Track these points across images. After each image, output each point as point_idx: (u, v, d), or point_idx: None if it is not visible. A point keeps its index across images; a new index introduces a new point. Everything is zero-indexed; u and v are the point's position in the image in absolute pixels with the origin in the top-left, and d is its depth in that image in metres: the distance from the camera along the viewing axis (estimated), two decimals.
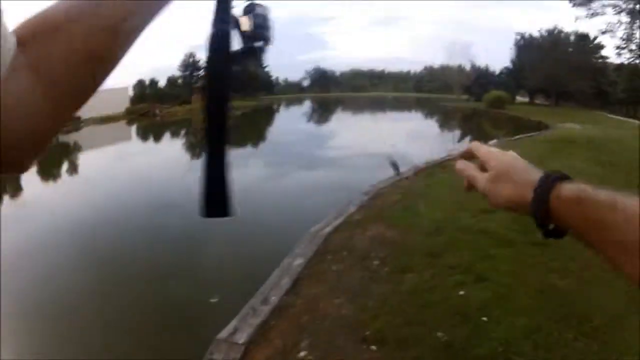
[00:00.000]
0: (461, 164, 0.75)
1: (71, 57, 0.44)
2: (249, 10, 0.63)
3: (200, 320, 4.70)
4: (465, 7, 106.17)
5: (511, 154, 0.69)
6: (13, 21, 0.45)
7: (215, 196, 0.58)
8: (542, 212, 0.59)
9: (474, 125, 32.13)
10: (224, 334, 3.61)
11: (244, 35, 0.62)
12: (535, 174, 0.63)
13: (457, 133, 27.87)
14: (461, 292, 4.27)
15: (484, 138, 22.01)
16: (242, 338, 3.49)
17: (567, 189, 0.59)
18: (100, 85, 0.48)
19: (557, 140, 15.01)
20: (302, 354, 3.40)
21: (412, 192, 7.76)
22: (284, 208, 9.39)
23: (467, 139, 24.37)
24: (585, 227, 0.56)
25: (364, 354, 3.38)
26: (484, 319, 3.83)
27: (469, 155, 0.75)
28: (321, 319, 3.78)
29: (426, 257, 5.00)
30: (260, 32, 0.63)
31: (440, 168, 10.01)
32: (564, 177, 0.61)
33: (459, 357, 3.37)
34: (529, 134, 18.74)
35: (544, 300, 4.23)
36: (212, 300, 4.82)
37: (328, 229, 5.80)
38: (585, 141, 14.73)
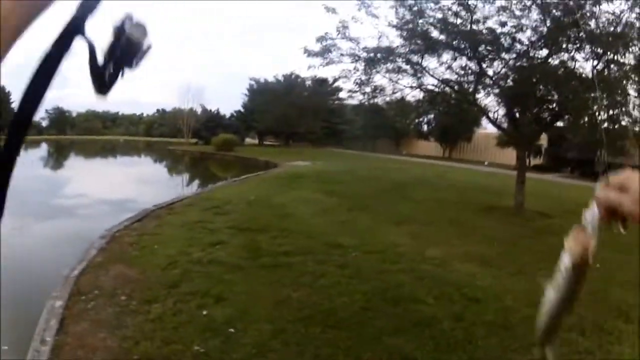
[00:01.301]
0: (602, 194, 0.77)
1: None
2: (120, 30, 0.64)
3: None
4: (202, 51, 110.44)
5: None
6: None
7: None
8: None
9: (202, 168, 33.74)
10: None
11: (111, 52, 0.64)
12: None
13: (186, 176, 28.98)
14: (204, 312, 4.90)
15: (212, 180, 23.34)
16: None
17: None
18: None
19: (284, 177, 17.04)
20: None
21: (144, 234, 8.34)
22: (34, 258, 9.07)
23: (196, 182, 25.56)
24: None
25: None
26: (232, 330, 4.47)
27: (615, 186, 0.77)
28: (93, 352, 4.15)
29: (166, 289, 5.57)
30: (124, 56, 0.65)
31: (169, 210, 10.90)
32: None
33: None
34: (256, 173, 20.60)
35: (283, 309, 5.05)
36: (4, 349, 4.80)
37: (76, 272, 6.21)
38: (313, 175, 17.02)
